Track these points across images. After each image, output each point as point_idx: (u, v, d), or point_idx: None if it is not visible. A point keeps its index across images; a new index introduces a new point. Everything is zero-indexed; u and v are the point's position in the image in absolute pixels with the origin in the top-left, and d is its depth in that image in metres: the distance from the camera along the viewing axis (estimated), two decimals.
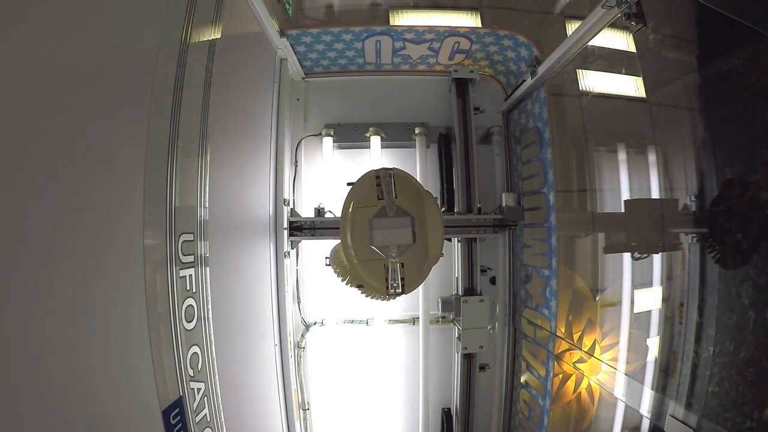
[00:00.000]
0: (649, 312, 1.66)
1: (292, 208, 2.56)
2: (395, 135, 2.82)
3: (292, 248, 2.55)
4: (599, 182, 2.07)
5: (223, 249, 1.65)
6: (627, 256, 1.82)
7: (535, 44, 2.38)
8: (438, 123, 2.89)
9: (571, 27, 1.99)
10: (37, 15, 0.82)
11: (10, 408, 0.75)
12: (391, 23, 2.41)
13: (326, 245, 2.57)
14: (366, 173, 1.92)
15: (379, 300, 2.02)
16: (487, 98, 2.90)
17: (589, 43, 1.85)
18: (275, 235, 2.39)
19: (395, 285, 1.80)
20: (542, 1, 2.44)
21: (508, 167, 2.88)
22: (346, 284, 2.11)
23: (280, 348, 2.43)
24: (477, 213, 2.61)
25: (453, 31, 2.43)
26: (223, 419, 1.45)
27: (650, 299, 1.64)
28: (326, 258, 2.36)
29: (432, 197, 1.91)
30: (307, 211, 2.69)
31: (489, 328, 2.68)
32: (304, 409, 2.77)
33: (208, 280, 1.39)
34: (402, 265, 1.81)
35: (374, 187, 1.86)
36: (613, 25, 1.65)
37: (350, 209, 1.85)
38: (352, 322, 2.87)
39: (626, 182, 1.81)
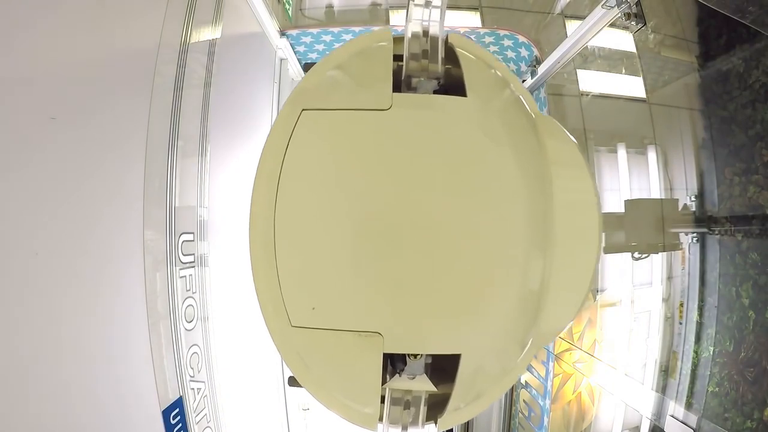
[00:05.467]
0: (649, 312, 1.66)
1: None
2: None
3: None
4: (599, 182, 2.07)
5: (223, 249, 1.64)
6: (627, 256, 1.82)
7: (535, 44, 2.38)
8: None
9: (571, 27, 1.99)
10: (38, 15, 0.82)
11: (10, 408, 0.75)
12: (391, 23, 2.41)
13: None
14: (371, 33, 0.79)
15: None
16: None
17: (589, 43, 1.85)
18: None
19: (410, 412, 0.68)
20: (542, 1, 2.44)
21: None
22: None
23: None
24: None
25: (453, 31, 2.42)
26: (223, 419, 1.45)
27: (650, 299, 1.64)
28: None
29: (579, 153, 0.78)
30: None
31: None
32: (304, 410, 2.77)
33: (209, 280, 1.39)
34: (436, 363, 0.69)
35: (388, 72, 0.72)
36: (613, 25, 1.65)
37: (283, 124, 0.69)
38: None
39: (626, 182, 1.81)
